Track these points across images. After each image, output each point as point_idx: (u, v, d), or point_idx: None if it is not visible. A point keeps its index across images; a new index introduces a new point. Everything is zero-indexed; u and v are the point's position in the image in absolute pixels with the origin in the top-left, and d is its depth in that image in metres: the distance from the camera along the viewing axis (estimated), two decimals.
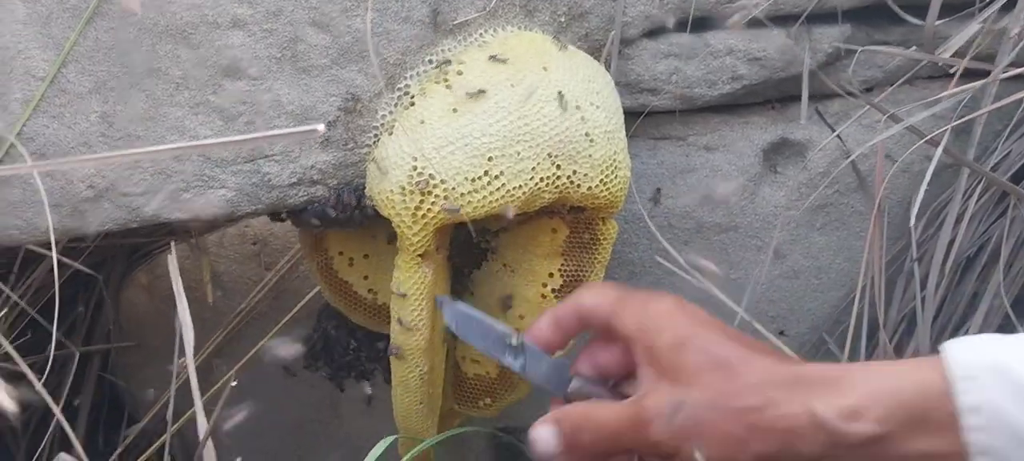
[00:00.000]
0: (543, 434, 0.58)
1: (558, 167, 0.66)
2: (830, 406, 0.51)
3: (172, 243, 0.68)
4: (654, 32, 0.76)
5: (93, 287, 1.10)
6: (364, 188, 0.70)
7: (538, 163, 0.65)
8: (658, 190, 0.81)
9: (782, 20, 0.78)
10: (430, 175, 0.63)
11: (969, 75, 0.79)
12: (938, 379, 0.49)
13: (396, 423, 0.74)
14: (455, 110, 0.65)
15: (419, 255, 0.66)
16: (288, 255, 0.98)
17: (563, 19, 0.72)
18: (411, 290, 0.67)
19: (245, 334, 0.97)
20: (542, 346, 0.63)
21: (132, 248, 1.09)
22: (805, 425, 0.51)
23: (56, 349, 0.99)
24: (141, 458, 0.73)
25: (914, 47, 0.79)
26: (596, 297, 0.61)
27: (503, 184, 0.64)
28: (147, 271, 1.05)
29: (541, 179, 0.65)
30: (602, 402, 0.60)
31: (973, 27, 0.75)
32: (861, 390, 0.51)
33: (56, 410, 0.62)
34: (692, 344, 0.55)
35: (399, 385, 0.71)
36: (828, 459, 0.51)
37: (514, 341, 0.62)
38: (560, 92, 0.66)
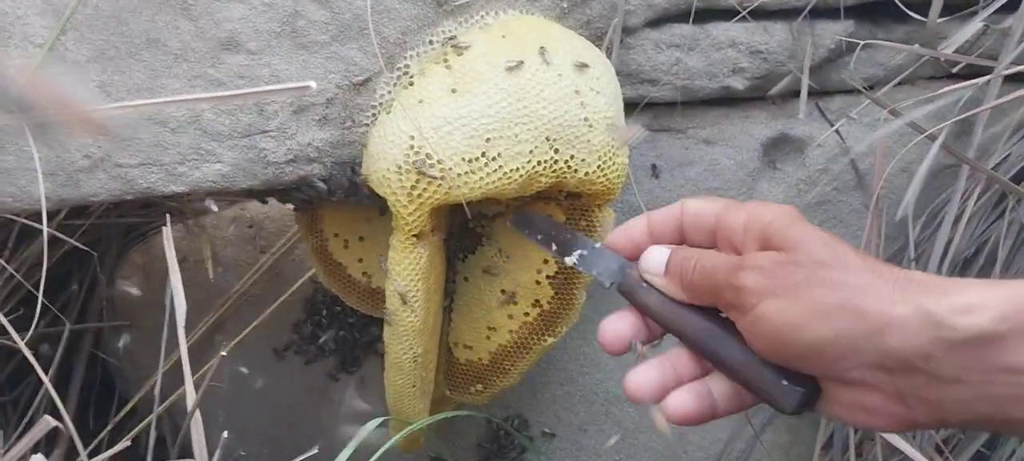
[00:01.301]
0: (656, 254, 0.57)
1: (556, 151, 0.65)
2: (940, 302, 0.47)
3: (167, 216, 0.67)
4: (656, 22, 0.76)
5: (87, 266, 1.09)
6: (359, 165, 0.69)
7: (536, 146, 0.65)
8: (654, 166, 0.81)
9: (785, 13, 0.78)
10: (427, 154, 0.63)
11: (971, 75, 0.78)
12: None
13: (388, 405, 0.74)
14: (454, 90, 0.65)
15: (414, 235, 0.66)
16: (283, 238, 0.98)
17: (565, 4, 0.72)
18: (405, 271, 0.67)
19: (239, 316, 0.97)
20: (620, 249, 0.60)
21: (128, 228, 1.09)
22: (908, 315, 0.48)
23: (49, 325, 0.99)
24: (131, 434, 0.73)
25: (916, 44, 0.78)
26: (701, 203, 0.58)
27: (500, 166, 0.64)
28: (142, 252, 1.05)
29: (539, 162, 0.65)
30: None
31: (975, 25, 0.75)
32: (977, 290, 0.47)
33: (44, 378, 0.62)
34: (802, 225, 0.53)
35: (392, 366, 0.71)
36: (926, 360, 0.48)
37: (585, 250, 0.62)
38: (560, 74, 0.65)
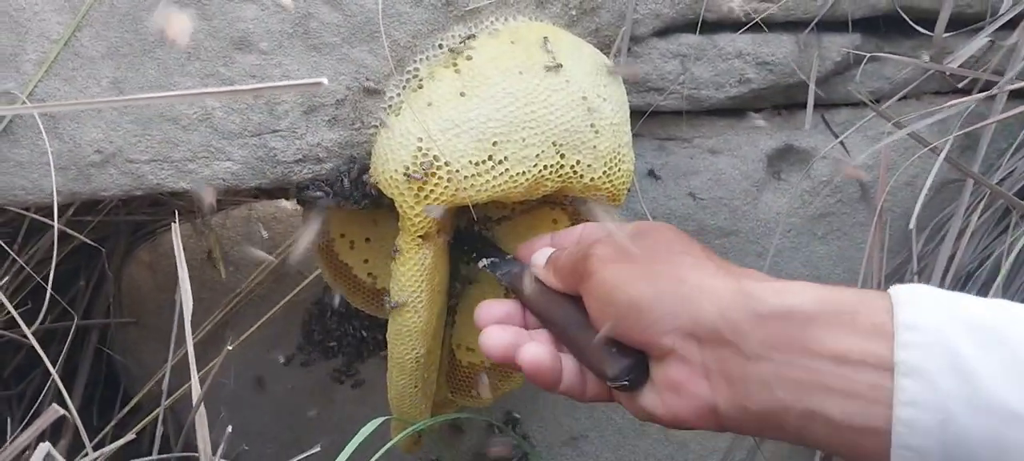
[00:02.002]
0: (543, 251, 0.63)
1: (562, 156, 0.66)
2: (759, 284, 0.50)
3: (176, 212, 0.68)
4: (664, 31, 0.77)
5: (95, 262, 1.10)
6: (367, 168, 0.70)
7: (543, 150, 0.65)
8: (651, 171, 0.81)
9: (792, 25, 0.78)
10: (434, 156, 0.64)
11: (976, 90, 0.79)
12: (880, 296, 0.47)
13: (390, 405, 0.74)
14: (463, 94, 0.65)
15: (420, 236, 0.66)
16: (290, 238, 0.99)
17: (574, 12, 0.72)
18: (410, 272, 0.67)
19: (245, 314, 0.97)
20: (523, 258, 0.67)
21: (136, 225, 1.10)
22: (723, 287, 0.50)
23: (55, 319, 1.00)
24: (136, 428, 0.73)
25: (922, 58, 0.79)
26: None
27: (507, 169, 0.64)
28: (149, 249, 1.06)
29: (545, 167, 0.66)
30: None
31: (981, 41, 0.76)
32: (801, 284, 0.49)
33: (52, 369, 0.63)
34: (668, 225, 0.59)
35: (395, 366, 0.71)
36: (734, 331, 0.49)
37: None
38: (567, 80, 0.66)
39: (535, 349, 0.58)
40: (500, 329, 0.60)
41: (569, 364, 0.60)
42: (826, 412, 0.46)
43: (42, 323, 0.70)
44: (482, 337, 0.60)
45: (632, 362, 0.56)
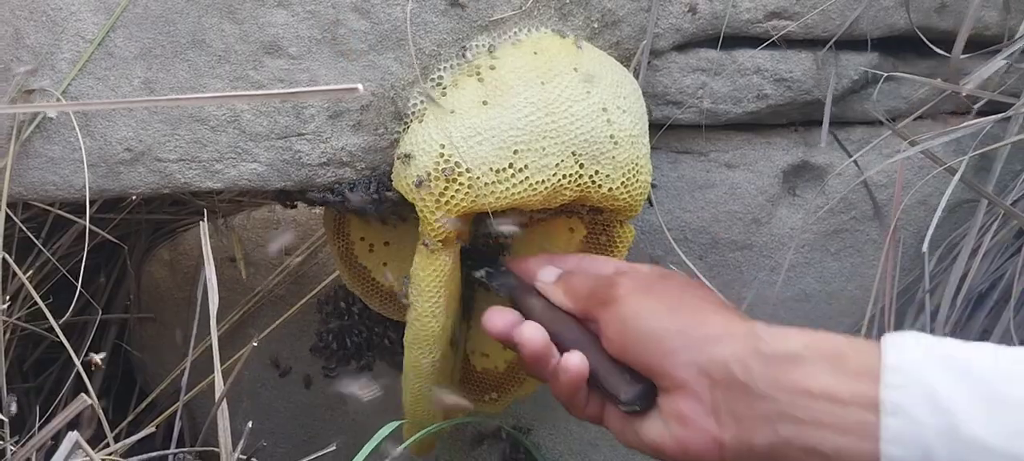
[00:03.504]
0: (551, 268, 0.68)
1: (581, 166, 0.67)
2: (765, 328, 0.56)
3: (205, 211, 0.69)
4: (684, 46, 0.78)
5: (116, 259, 1.12)
6: (388, 179, 0.71)
7: (562, 160, 0.66)
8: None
9: (811, 43, 0.79)
10: (456, 163, 0.65)
11: (992, 112, 0.80)
12: (869, 343, 0.52)
13: (404, 409, 0.75)
14: (485, 102, 0.67)
15: (440, 242, 0.68)
16: (309, 241, 1.00)
17: (596, 25, 0.73)
18: (429, 276, 0.69)
19: (262, 314, 0.99)
20: (519, 272, 0.71)
21: (157, 224, 1.11)
22: (738, 332, 0.56)
23: (78, 314, 1.02)
24: (155, 421, 0.75)
25: (939, 79, 0.80)
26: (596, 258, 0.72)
27: (527, 177, 0.66)
28: (170, 248, 1.07)
29: (564, 176, 0.67)
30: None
31: (998, 63, 0.76)
32: (798, 329, 0.55)
33: (76, 360, 0.64)
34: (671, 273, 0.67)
35: (411, 370, 0.72)
36: (745, 370, 0.54)
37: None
38: (588, 91, 0.67)
39: (532, 329, 0.63)
40: (500, 311, 0.66)
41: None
42: (823, 448, 0.51)
43: (69, 315, 0.71)
44: (485, 316, 0.66)
45: (644, 389, 0.60)
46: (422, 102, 0.70)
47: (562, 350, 0.63)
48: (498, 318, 0.66)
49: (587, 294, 0.64)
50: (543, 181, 0.66)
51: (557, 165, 0.67)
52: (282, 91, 0.62)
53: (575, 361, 0.61)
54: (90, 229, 0.88)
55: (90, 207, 0.94)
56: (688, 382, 0.56)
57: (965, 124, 0.77)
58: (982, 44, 0.80)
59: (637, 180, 0.70)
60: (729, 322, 0.57)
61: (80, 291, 0.70)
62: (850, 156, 0.83)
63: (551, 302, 0.66)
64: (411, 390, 0.74)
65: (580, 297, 0.64)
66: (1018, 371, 0.47)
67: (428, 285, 0.69)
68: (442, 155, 0.65)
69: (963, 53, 0.77)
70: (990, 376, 0.47)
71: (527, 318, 0.66)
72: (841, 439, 0.50)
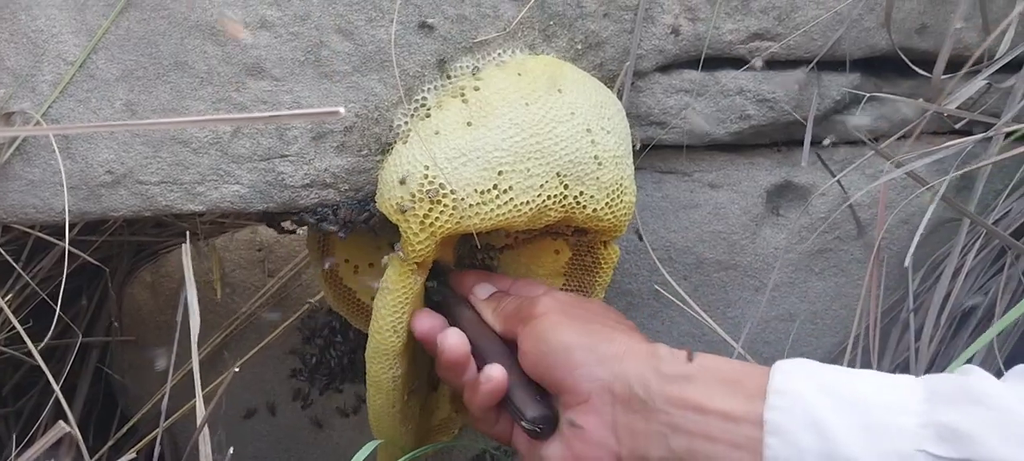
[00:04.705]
0: (487, 286, 0.72)
1: (566, 186, 0.67)
2: (667, 349, 0.59)
3: (187, 232, 0.69)
4: (667, 67, 0.78)
5: (97, 282, 1.11)
6: (371, 202, 0.71)
7: (547, 181, 0.66)
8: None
9: (793, 64, 0.80)
10: (441, 184, 0.65)
11: (973, 132, 0.80)
12: (763, 368, 0.55)
13: (370, 424, 0.75)
14: (470, 124, 0.66)
15: (416, 263, 0.67)
16: (292, 263, 1.00)
17: (580, 47, 0.74)
18: (396, 293, 0.68)
19: (245, 337, 0.98)
20: (457, 288, 0.74)
21: (139, 246, 1.11)
22: (641, 350, 0.60)
23: (58, 337, 1.01)
24: (135, 447, 0.74)
25: (920, 99, 0.80)
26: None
27: (511, 198, 0.66)
28: (152, 270, 1.07)
29: (549, 197, 0.67)
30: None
31: (978, 83, 0.77)
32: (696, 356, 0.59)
33: (55, 385, 0.63)
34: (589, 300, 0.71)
35: (372, 384, 0.72)
36: (644, 387, 0.57)
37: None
38: (572, 112, 0.67)
39: (456, 336, 0.66)
40: (429, 314, 0.70)
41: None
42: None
43: (49, 339, 0.70)
44: (412, 317, 0.69)
45: (549, 413, 0.63)
46: (406, 123, 0.70)
47: (480, 364, 0.66)
48: (425, 320, 0.69)
49: (512, 313, 0.67)
50: (528, 202, 0.66)
51: (542, 186, 0.66)
52: (262, 115, 0.62)
53: (496, 373, 0.64)
54: (72, 251, 0.88)
55: (72, 230, 0.94)
56: (591, 396, 0.60)
57: (947, 144, 0.77)
58: (963, 64, 0.81)
59: (622, 200, 0.70)
60: (634, 342, 0.61)
61: (59, 314, 0.69)
62: (833, 176, 0.83)
63: (480, 317, 0.70)
64: (374, 406, 0.73)
65: (507, 316, 0.68)
66: (892, 399, 0.50)
67: (394, 299, 0.69)
68: (426, 176, 0.65)
69: (944, 73, 0.78)
70: (869, 403, 0.50)
71: (453, 323, 0.69)
72: (733, 453, 0.53)
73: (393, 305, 0.68)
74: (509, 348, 0.67)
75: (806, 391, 0.52)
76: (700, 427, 0.54)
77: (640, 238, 0.83)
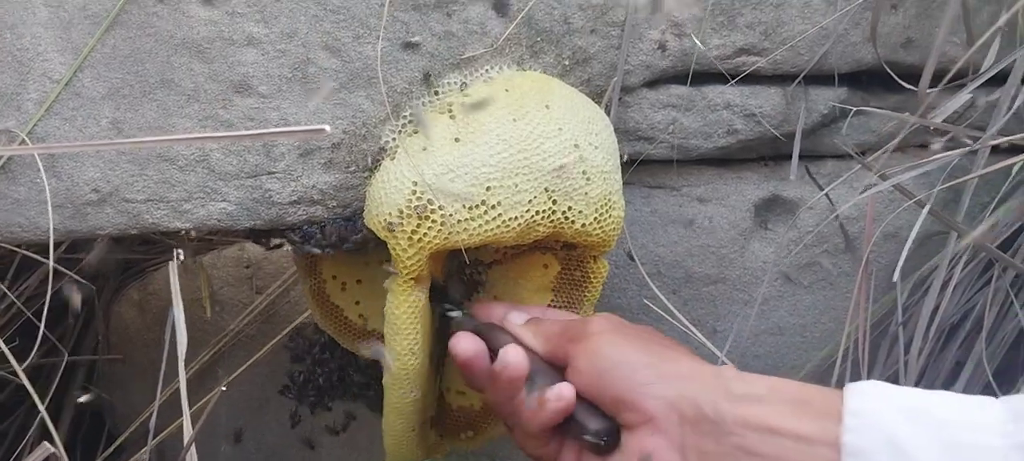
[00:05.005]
0: (520, 312, 0.70)
1: (554, 202, 0.67)
2: (731, 373, 0.58)
3: (174, 250, 0.68)
4: (654, 82, 0.79)
5: (85, 300, 1.10)
6: (358, 218, 0.71)
7: (535, 196, 0.66)
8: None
9: (780, 79, 0.80)
10: (429, 200, 0.65)
11: (960, 145, 0.81)
12: (831, 390, 0.55)
13: (386, 450, 0.74)
14: (457, 140, 0.66)
15: (412, 279, 0.67)
16: (280, 280, 0.99)
17: (568, 62, 0.74)
18: (404, 314, 0.68)
19: (233, 355, 0.97)
20: (479, 315, 0.73)
21: (126, 264, 1.10)
22: (707, 373, 0.59)
23: (45, 356, 1.00)
24: None
25: (907, 113, 0.81)
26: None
27: (500, 214, 0.65)
28: (139, 288, 1.06)
29: (537, 212, 0.67)
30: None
31: (964, 97, 0.78)
32: (758, 375, 0.58)
33: (40, 405, 0.62)
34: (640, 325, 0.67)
35: (392, 411, 0.71)
36: (714, 408, 0.56)
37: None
38: (560, 128, 0.67)
39: (517, 352, 0.64)
40: (472, 337, 0.68)
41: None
42: None
43: (33, 358, 0.70)
44: (453, 340, 0.67)
45: (613, 425, 0.61)
46: (394, 140, 0.70)
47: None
48: (469, 343, 0.67)
49: (558, 333, 0.66)
50: (516, 217, 0.66)
51: (530, 201, 0.66)
52: (249, 132, 0.62)
53: (567, 391, 0.62)
54: (59, 269, 0.87)
55: (57, 248, 0.93)
56: (657, 416, 0.58)
57: (934, 157, 0.78)
58: (950, 78, 0.81)
59: (610, 215, 0.70)
60: (698, 364, 0.60)
61: (44, 333, 0.69)
62: (821, 189, 0.83)
63: (518, 340, 0.67)
64: (392, 432, 0.72)
65: (551, 337, 0.66)
66: (974, 418, 0.50)
67: (404, 323, 0.68)
68: (414, 193, 0.65)
69: (930, 87, 0.78)
70: (948, 422, 0.50)
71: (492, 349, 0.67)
72: None
73: (405, 327, 0.68)
74: (556, 370, 0.65)
75: (883, 412, 0.51)
76: (774, 449, 0.53)
77: (631, 258, 0.83)
